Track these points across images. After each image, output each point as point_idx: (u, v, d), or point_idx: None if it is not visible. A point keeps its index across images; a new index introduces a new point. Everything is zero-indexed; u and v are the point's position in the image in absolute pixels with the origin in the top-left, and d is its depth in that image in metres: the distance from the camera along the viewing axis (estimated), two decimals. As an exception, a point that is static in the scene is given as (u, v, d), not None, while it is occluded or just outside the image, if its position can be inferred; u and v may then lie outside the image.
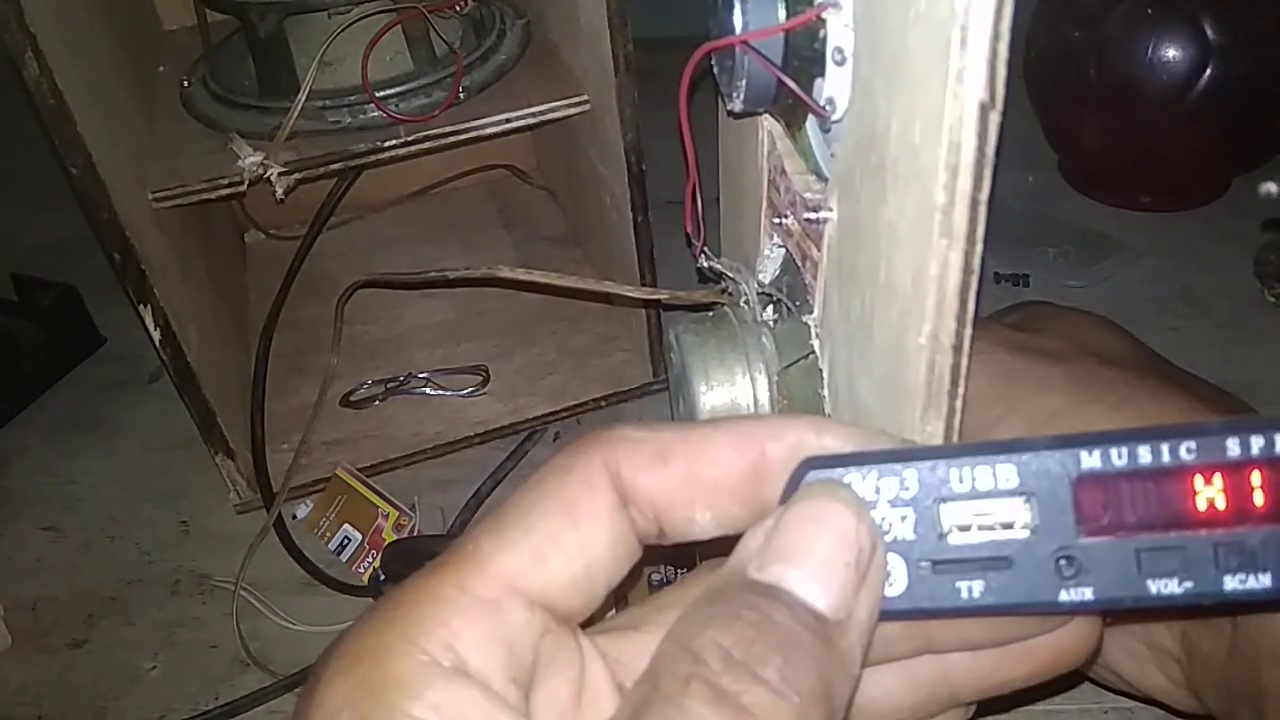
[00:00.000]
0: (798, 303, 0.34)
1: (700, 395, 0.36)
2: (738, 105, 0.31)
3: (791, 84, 0.29)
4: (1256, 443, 0.18)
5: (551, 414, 0.61)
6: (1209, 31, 0.63)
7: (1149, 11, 0.64)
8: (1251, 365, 0.61)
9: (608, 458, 0.20)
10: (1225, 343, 0.63)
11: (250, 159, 0.51)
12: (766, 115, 0.34)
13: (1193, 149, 0.68)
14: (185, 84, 0.60)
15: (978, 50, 0.19)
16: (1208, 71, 0.64)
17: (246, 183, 0.51)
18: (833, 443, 0.20)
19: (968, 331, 0.22)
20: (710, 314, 0.38)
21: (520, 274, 0.43)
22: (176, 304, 0.51)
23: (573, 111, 0.55)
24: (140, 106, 0.57)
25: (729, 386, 0.36)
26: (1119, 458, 0.18)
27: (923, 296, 0.22)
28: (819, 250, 0.30)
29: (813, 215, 0.29)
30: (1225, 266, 0.68)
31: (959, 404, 0.23)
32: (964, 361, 0.23)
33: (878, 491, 0.19)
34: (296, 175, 0.52)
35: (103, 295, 0.70)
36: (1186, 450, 0.18)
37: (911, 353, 0.23)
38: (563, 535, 0.20)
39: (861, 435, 0.21)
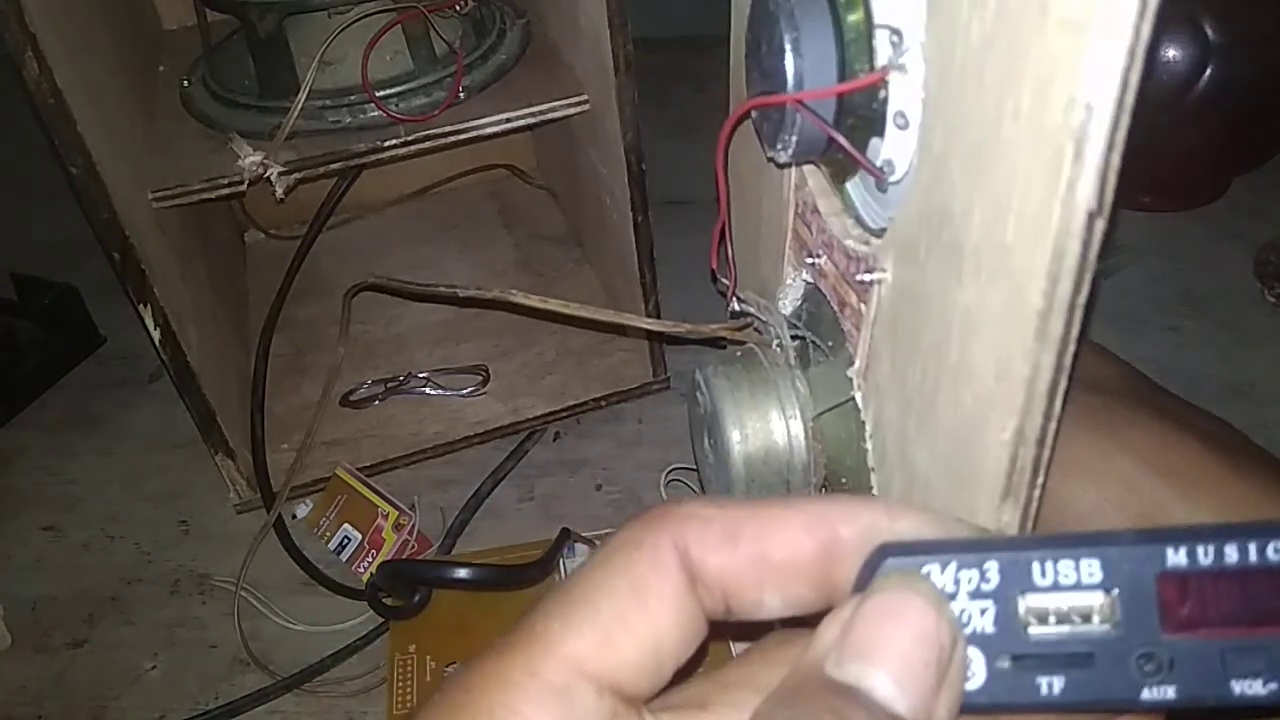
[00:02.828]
0: (829, 343, 0.34)
1: (734, 445, 0.35)
2: (783, 158, 0.30)
3: (848, 145, 0.27)
4: None
5: (551, 414, 0.61)
6: (1209, 31, 0.63)
7: (1149, 11, 0.64)
8: (1251, 365, 0.61)
9: (676, 536, 0.20)
10: (1225, 343, 0.63)
11: (250, 159, 0.51)
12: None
13: (1193, 149, 0.68)
14: (185, 84, 0.60)
15: (1092, 163, 0.19)
16: (1208, 71, 0.64)
17: (246, 183, 0.51)
18: (906, 528, 0.20)
19: (1053, 425, 0.22)
20: (738, 353, 0.37)
21: (534, 301, 0.43)
22: (176, 304, 0.51)
23: (573, 111, 0.55)
24: (140, 106, 0.57)
25: (764, 436, 0.35)
26: (1205, 556, 0.18)
27: (1010, 394, 0.22)
28: (863, 303, 0.30)
29: (866, 277, 0.29)
30: (1225, 266, 0.68)
31: (1038, 493, 0.23)
32: (1046, 453, 0.22)
33: (957, 583, 0.19)
34: (296, 175, 0.52)
35: (103, 295, 0.70)
36: (1274, 550, 0.18)
37: (993, 445, 0.23)
38: (631, 616, 0.19)
39: (937, 521, 0.20)
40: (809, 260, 0.34)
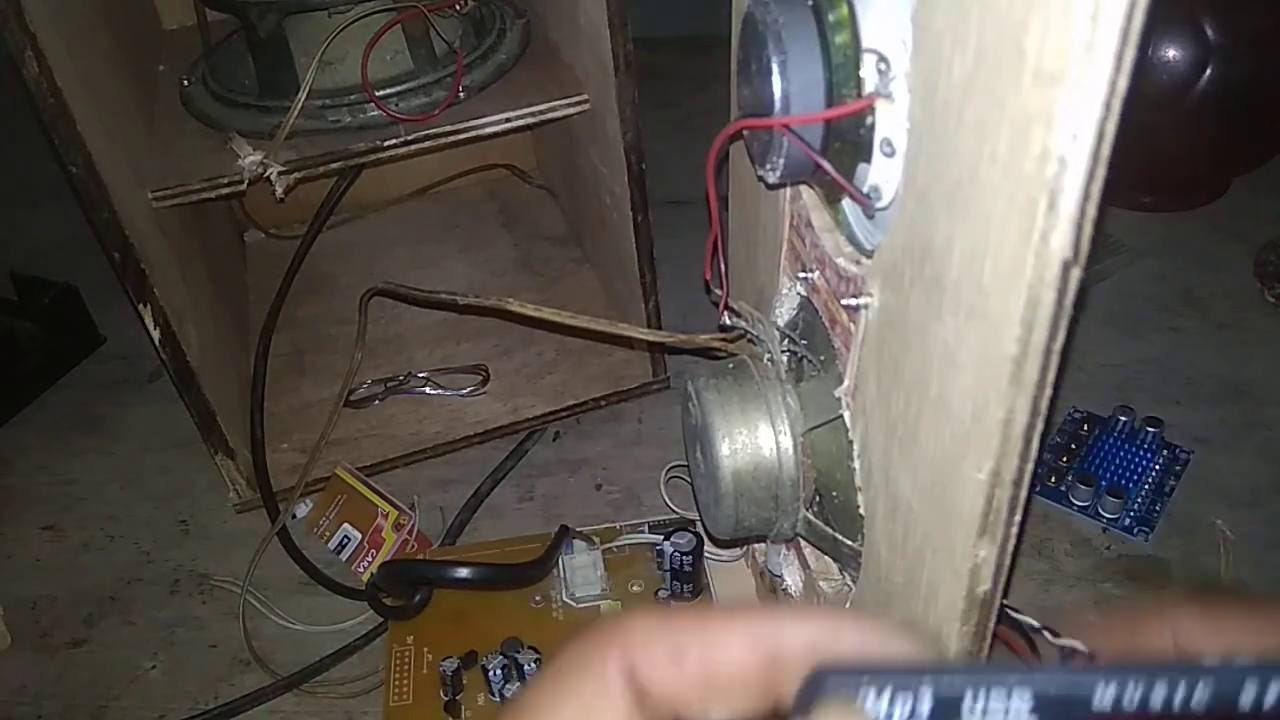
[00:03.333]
0: (821, 357, 0.34)
1: (723, 459, 0.35)
2: (772, 179, 0.30)
3: (833, 172, 0.27)
4: (1274, 692, 0.18)
5: (551, 413, 0.61)
6: (1209, 31, 0.63)
7: (1149, 11, 0.64)
8: (1251, 365, 0.61)
9: (622, 654, 0.20)
10: (1225, 343, 0.63)
11: (250, 158, 0.51)
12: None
13: (1193, 149, 0.69)
14: (185, 83, 0.60)
15: (1066, 214, 0.18)
16: (1208, 71, 0.64)
17: (246, 182, 0.51)
18: (850, 642, 0.20)
19: (1029, 467, 0.22)
20: (730, 364, 0.37)
21: (530, 310, 0.43)
22: (176, 304, 0.51)
23: (573, 111, 0.55)
24: (140, 106, 0.57)
25: (753, 450, 0.35)
26: (1132, 697, 0.18)
27: (986, 435, 0.22)
28: (852, 324, 0.30)
29: (853, 301, 0.29)
30: (1225, 266, 0.68)
31: (1014, 530, 0.23)
32: (1023, 493, 0.23)
33: (892, 707, 0.19)
34: (296, 175, 0.52)
35: (103, 295, 0.70)
36: (1199, 695, 0.18)
37: (970, 484, 0.23)
38: None
39: (879, 636, 0.20)
40: (803, 274, 0.34)
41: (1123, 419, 0.56)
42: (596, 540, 0.50)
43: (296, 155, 0.52)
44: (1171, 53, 0.64)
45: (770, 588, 0.46)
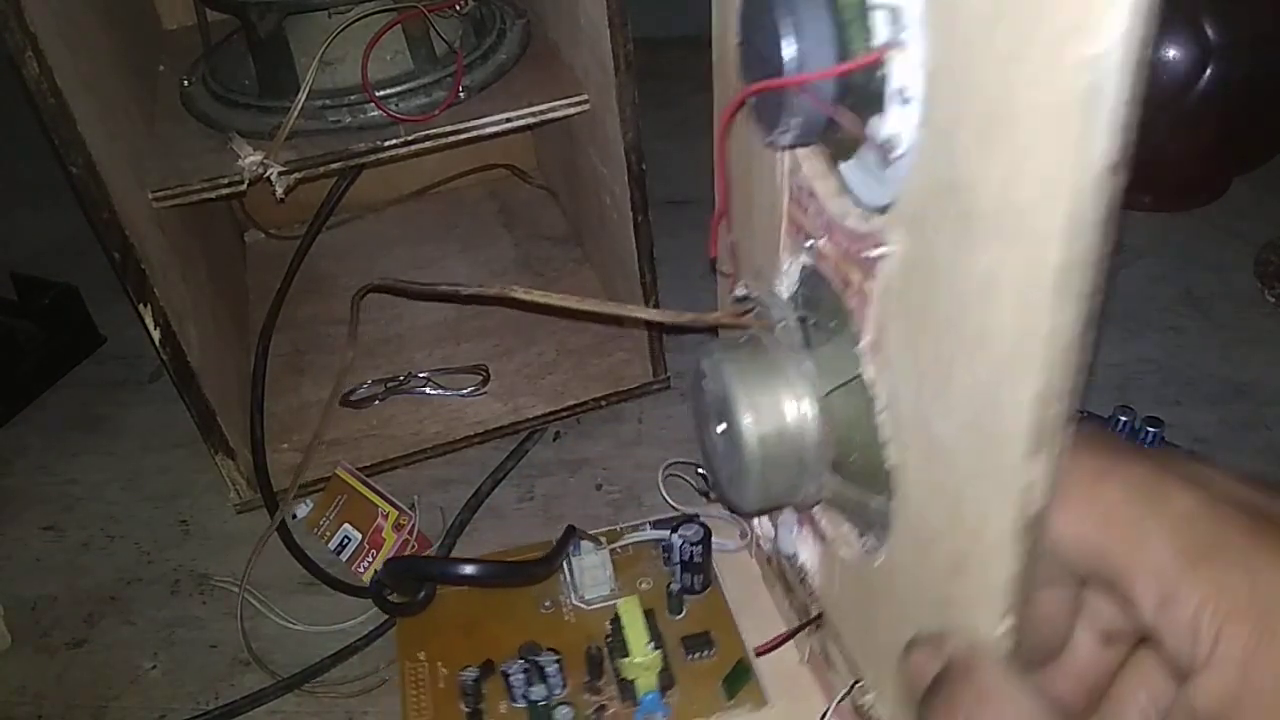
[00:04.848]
0: (831, 324, 0.34)
1: (747, 427, 0.35)
2: (785, 141, 0.30)
3: (853, 125, 0.28)
4: None
5: (551, 414, 0.61)
6: (1209, 31, 0.63)
7: (1149, 11, 0.64)
8: (1251, 365, 0.61)
9: None
10: (1225, 343, 0.63)
11: (250, 158, 0.51)
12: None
13: (1193, 149, 0.68)
14: (185, 84, 0.60)
15: (1109, 116, 0.19)
16: (1208, 71, 0.64)
17: (246, 182, 0.51)
18: None
19: (1081, 379, 0.22)
20: (743, 339, 0.38)
21: (535, 295, 0.43)
22: (176, 304, 0.51)
23: (573, 111, 0.55)
24: (140, 106, 0.57)
25: (776, 416, 0.35)
26: None
27: (1030, 355, 0.22)
28: (868, 279, 0.30)
29: (874, 252, 0.29)
30: (1225, 266, 0.68)
31: (1066, 446, 0.24)
32: (1071, 405, 0.23)
33: None
34: (296, 175, 0.52)
35: (103, 295, 0.70)
36: None
37: (1020, 404, 0.23)
38: None
39: None
40: (807, 244, 0.34)
41: (1123, 419, 0.56)
42: (603, 541, 0.50)
43: (296, 155, 0.52)
44: (1171, 53, 0.64)
45: (779, 573, 0.45)
